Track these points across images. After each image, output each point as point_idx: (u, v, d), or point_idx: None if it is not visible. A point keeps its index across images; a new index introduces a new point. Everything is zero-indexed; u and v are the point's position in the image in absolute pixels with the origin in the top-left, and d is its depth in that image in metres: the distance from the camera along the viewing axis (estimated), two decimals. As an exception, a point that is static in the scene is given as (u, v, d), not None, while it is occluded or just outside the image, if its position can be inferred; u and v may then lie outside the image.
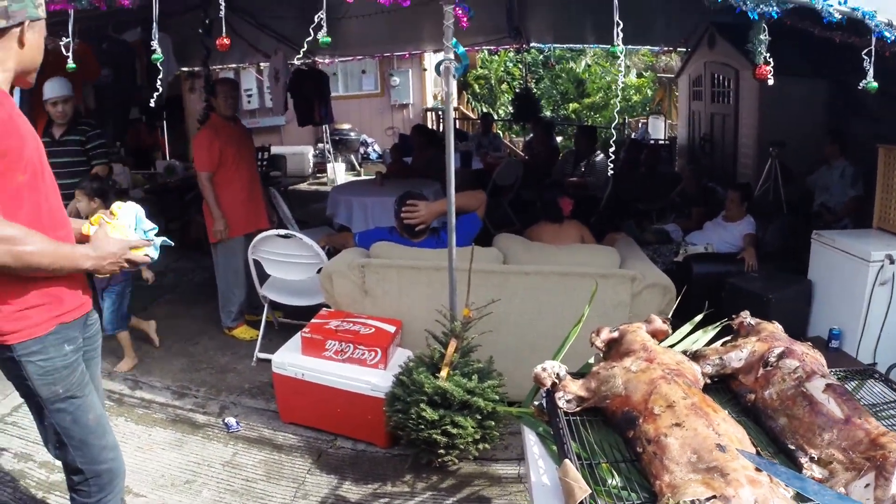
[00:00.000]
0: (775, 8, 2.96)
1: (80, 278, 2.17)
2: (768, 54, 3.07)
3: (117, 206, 2.22)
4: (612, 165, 3.52)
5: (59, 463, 2.26)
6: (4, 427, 3.83)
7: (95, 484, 2.25)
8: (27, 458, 3.51)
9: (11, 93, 2.12)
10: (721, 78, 8.38)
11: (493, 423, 3.27)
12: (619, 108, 3.86)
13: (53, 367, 2.07)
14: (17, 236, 1.85)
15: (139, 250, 2.17)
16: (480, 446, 3.28)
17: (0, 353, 2.04)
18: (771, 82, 3.10)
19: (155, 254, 2.23)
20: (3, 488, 3.26)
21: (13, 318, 1.97)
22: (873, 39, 2.95)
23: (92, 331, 2.33)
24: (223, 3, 3.30)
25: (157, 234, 2.27)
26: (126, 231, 2.17)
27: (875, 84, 2.97)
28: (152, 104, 3.79)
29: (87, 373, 2.21)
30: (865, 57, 2.96)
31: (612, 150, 3.50)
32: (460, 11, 3.03)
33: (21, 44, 1.97)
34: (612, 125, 3.69)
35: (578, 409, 1.88)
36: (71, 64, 3.58)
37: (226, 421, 3.90)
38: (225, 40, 3.37)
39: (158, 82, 3.72)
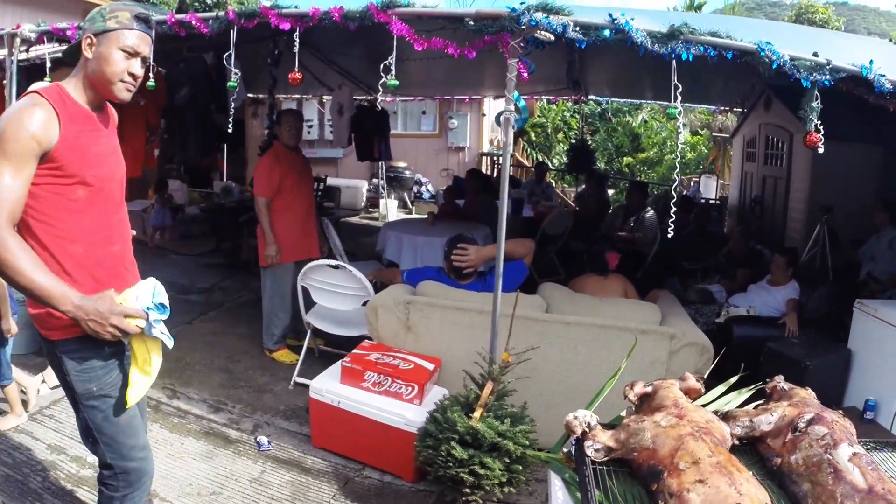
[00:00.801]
0: (828, 77, 3.00)
1: None
2: (819, 122, 3.10)
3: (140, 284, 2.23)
4: (671, 227, 3.52)
5: (90, 459, 2.37)
6: (42, 419, 3.98)
7: (123, 480, 2.34)
8: (60, 451, 3.62)
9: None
10: (775, 140, 8.37)
11: (521, 468, 3.28)
12: (677, 168, 3.86)
13: (90, 366, 2.18)
14: (5, 243, 1.90)
15: (134, 319, 2.06)
16: (506, 489, 3.29)
17: (48, 347, 2.20)
18: (821, 150, 3.13)
19: (145, 327, 2.11)
20: (35, 476, 3.38)
21: (57, 315, 2.05)
22: None
23: None
24: (297, 40, 3.48)
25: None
26: (129, 300, 2.12)
27: None
28: (229, 129, 3.95)
29: (123, 375, 2.29)
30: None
31: (673, 211, 3.51)
32: (522, 65, 3.14)
33: (86, 57, 2.12)
34: (673, 187, 3.71)
35: (606, 458, 1.91)
36: (151, 82, 3.81)
37: (258, 439, 3.98)
38: (297, 75, 3.54)
39: (231, 107, 3.90)
